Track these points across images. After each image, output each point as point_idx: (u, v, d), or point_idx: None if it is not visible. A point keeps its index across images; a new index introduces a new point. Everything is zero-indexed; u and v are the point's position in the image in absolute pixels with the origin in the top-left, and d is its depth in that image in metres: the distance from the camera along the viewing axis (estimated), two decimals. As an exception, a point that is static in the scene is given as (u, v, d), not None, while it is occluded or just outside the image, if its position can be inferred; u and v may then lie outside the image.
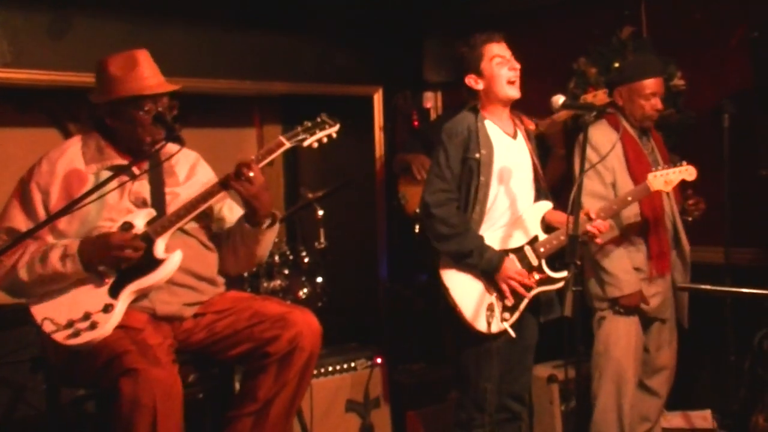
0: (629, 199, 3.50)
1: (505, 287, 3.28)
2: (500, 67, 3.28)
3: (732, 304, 3.97)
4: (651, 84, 3.71)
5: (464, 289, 3.31)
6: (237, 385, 3.25)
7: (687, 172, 3.52)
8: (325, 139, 3.07)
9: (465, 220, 3.31)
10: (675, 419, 4.19)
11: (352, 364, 4.27)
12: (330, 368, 4.18)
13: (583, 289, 3.66)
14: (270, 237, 3.11)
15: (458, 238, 3.28)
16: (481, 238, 3.30)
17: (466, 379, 3.38)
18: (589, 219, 3.29)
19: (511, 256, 3.32)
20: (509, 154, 3.35)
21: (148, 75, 2.99)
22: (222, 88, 4.73)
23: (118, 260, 2.83)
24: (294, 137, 3.02)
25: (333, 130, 3.07)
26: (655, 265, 3.71)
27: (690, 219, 3.80)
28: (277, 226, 3.10)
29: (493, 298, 3.29)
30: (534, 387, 4.03)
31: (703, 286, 3.86)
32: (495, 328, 3.25)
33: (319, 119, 3.07)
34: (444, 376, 4.36)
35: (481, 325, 3.25)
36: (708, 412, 4.19)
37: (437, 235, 3.32)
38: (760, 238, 4.12)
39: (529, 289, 3.31)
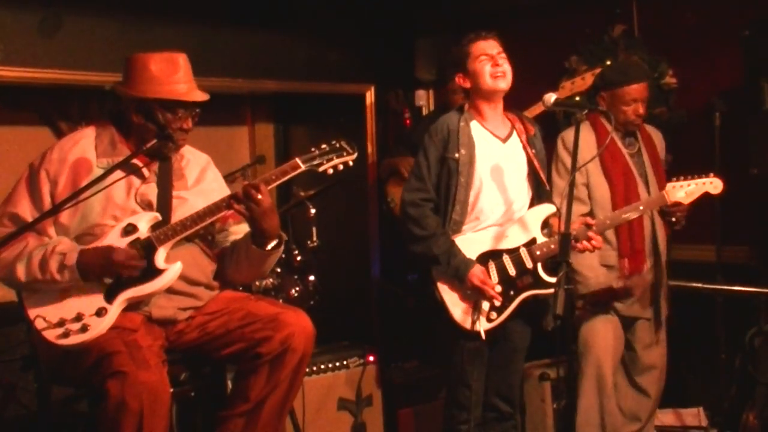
0: (641, 208, 3.43)
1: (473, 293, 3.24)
2: (484, 64, 3.28)
3: (723, 301, 3.99)
4: (633, 90, 3.65)
5: (453, 285, 3.29)
6: (229, 384, 3.24)
7: (712, 185, 3.38)
8: (341, 167, 3.00)
9: (438, 223, 3.29)
10: (666, 417, 4.20)
11: (345, 362, 4.26)
12: (322, 366, 4.18)
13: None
14: (275, 257, 3.08)
15: (428, 241, 3.26)
16: (451, 244, 3.26)
17: (452, 376, 3.38)
18: (588, 227, 3.26)
19: (505, 256, 3.28)
20: (495, 155, 3.33)
21: (186, 80, 2.97)
22: (214, 86, 4.67)
23: (118, 274, 2.81)
24: (310, 161, 2.97)
25: (350, 158, 3.01)
26: (627, 262, 3.67)
27: (674, 220, 3.67)
28: (282, 248, 3.06)
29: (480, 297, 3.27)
30: (526, 385, 4.04)
31: (694, 284, 3.87)
32: (479, 326, 3.24)
33: (337, 144, 3.00)
34: (436, 374, 4.36)
35: (466, 323, 3.25)
36: (699, 410, 4.21)
37: (409, 235, 3.32)
38: (751, 236, 4.13)
39: (508, 297, 3.26)
